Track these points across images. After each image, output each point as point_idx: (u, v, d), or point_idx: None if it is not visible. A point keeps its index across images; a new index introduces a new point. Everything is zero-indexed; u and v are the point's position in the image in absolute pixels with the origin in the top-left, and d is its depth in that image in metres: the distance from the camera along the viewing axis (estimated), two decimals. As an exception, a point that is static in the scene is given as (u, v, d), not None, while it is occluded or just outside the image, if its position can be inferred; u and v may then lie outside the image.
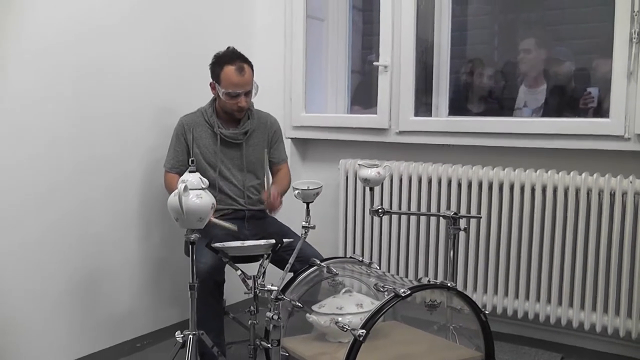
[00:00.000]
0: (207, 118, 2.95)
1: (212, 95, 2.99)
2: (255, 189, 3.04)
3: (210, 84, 2.92)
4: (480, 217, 3.15)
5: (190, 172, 2.14)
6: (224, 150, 2.96)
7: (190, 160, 2.22)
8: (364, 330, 1.98)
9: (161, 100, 3.21)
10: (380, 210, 2.66)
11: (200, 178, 2.12)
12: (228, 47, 2.92)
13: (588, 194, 2.94)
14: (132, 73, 3.06)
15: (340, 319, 2.24)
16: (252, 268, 2.40)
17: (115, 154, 3.01)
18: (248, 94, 2.89)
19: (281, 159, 3.14)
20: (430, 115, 3.61)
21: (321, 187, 2.40)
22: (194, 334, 2.24)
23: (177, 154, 2.95)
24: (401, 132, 3.49)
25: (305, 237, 2.34)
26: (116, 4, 2.96)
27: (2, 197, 2.56)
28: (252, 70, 2.91)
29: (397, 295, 2.07)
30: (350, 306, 2.38)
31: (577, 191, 2.96)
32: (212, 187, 2.37)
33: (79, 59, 2.80)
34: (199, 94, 3.04)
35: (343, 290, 2.51)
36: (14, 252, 2.61)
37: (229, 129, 2.97)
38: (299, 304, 2.38)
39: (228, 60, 2.85)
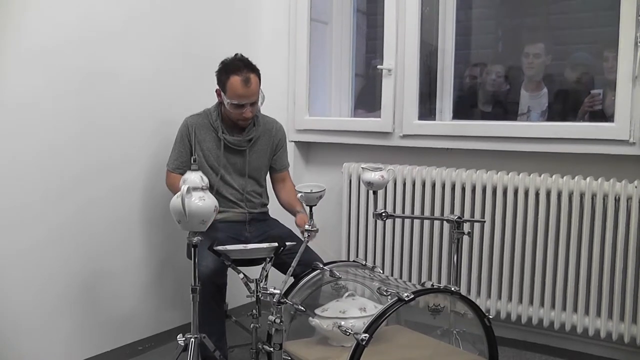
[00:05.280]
0: (211, 121, 2.94)
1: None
2: (256, 192, 3.03)
3: (216, 91, 2.89)
4: (484, 222, 3.13)
5: (191, 170, 2.13)
6: (227, 156, 2.94)
7: (192, 159, 2.22)
8: (366, 335, 1.97)
9: (165, 106, 3.20)
10: (383, 214, 2.65)
11: (201, 176, 2.11)
12: (236, 55, 2.88)
13: (592, 198, 2.92)
14: (136, 78, 3.05)
15: (343, 322, 2.23)
16: (254, 271, 2.39)
17: (118, 157, 3.00)
18: (254, 104, 2.85)
19: (283, 166, 3.13)
20: (434, 119, 3.61)
21: (324, 190, 2.39)
22: (195, 338, 2.23)
23: (180, 155, 2.93)
24: (405, 136, 3.47)
25: (308, 241, 2.33)
26: (121, 9, 2.96)
27: (5, 199, 2.55)
28: (259, 80, 2.86)
29: (400, 299, 2.06)
30: (353, 310, 2.37)
31: (582, 196, 2.94)
32: (212, 190, 2.36)
33: (84, 64, 2.80)
34: (203, 99, 3.03)
35: (346, 294, 2.50)
36: (17, 254, 2.60)
37: (233, 135, 2.95)
38: (302, 308, 2.37)
39: (235, 70, 2.80)
